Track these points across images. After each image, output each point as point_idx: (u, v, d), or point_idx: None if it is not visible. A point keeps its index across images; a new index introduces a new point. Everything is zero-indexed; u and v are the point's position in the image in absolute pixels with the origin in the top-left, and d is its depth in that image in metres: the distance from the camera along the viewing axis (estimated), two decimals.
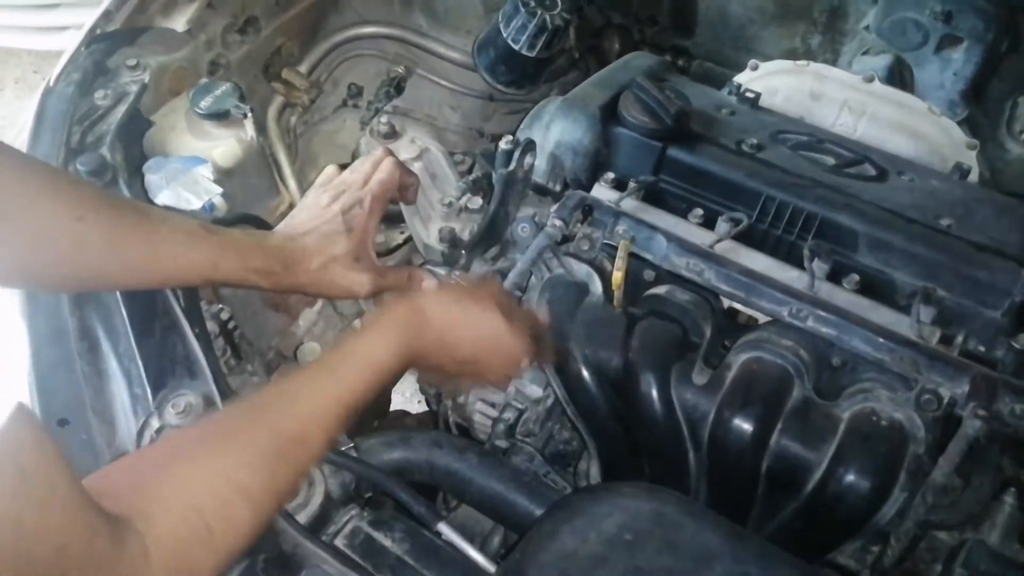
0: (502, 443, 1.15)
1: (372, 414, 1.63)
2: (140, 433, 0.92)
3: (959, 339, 1.06)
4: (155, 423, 0.92)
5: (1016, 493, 1.02)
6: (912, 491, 0.95)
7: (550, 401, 1.15)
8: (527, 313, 1.07)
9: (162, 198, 1.12)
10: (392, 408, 1.74)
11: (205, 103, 1.22)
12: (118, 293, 1.01)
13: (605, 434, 1.12)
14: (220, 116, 1.23)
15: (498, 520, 1.06)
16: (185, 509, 0.68)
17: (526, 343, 0.99)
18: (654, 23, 1.91)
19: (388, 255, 1.54)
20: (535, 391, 1.13)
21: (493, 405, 1.15)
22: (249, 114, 1.24)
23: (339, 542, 0.90)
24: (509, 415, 1.13)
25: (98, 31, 1.27)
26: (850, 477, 0.95)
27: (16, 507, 0.55)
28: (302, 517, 0.90)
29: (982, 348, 1.07)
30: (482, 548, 1.15)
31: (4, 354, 1.02)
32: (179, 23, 1.32)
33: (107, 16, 1.27)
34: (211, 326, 1.11)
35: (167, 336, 0.99)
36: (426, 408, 1.45)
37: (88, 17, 1.28)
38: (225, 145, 1.24)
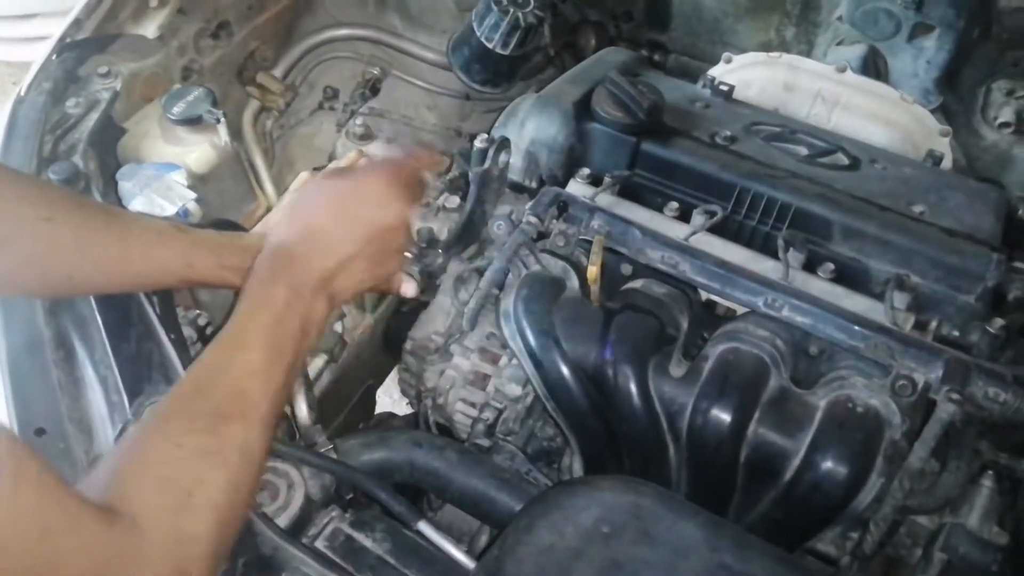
0: (483, 442, 1.16)
1: (358, 416, 1.64)
2: (117, 440, 0.92)
3: (933, 324, 1.07)
4: (131, 430, 0.92)
5: (994, 476, 1.03)
6: (889, 476, 0.95)
7: (530, 399, 1.15)
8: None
9: (135, 205, 1.12)
10: (379, 411, 1.75)
11: (177, 109, 1.22)
12: (93, 301, 1.01)
13: (586, 429, 1.12)
14: (193, 121, 1.23)
15: (480, 518, 1.06)
16: (157, 480, 0.69)
17: (403, 199, 0.96)
18: (629, 18, 1.92)
19: None
20: (514, 389, 1.13)
21: (473, 404, 1.15)
22: (222, 119, 1.24)
23: (320, 544, 0.90)
24: (488, 415, 1.13)
25: (68, 39, 1.26)
26: (827, 464, 0.95)
27: None
28: (282, 520, 0.90)
29: (956, 333, 1.07)
30: (470, 546, 1.16)
31: None
32: (150, 29, 1.32)
33: (77, 24, 1.26)
34: (188, 332, 1.10)
35: (143, 343, 0.99)
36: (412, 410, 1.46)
37: (56, 27, 1.28)
38: (199, 150, 1.24)
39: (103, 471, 0.72)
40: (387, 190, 0.95)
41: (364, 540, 0.90)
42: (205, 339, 1.13)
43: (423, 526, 0.91)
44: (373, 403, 1.72)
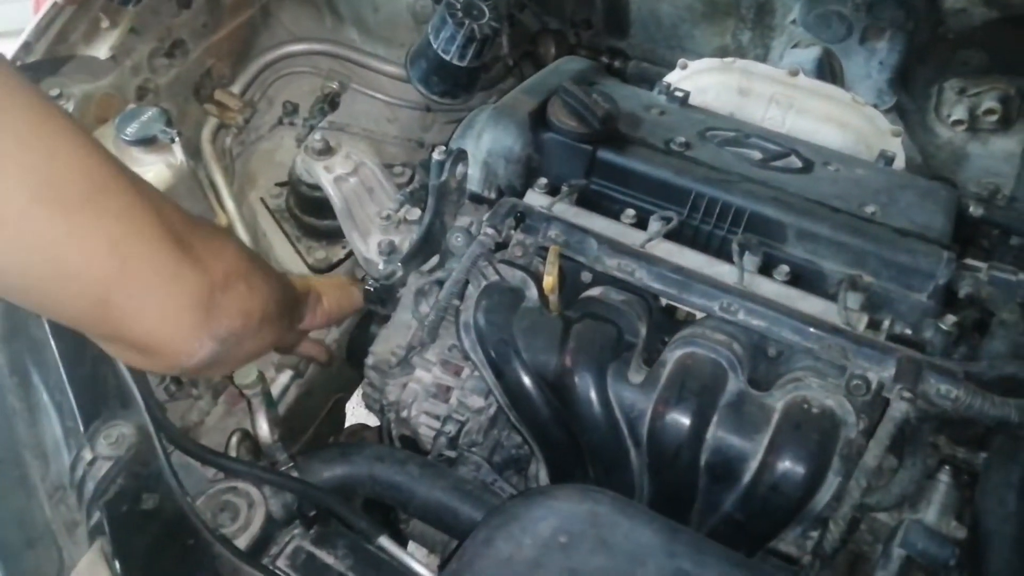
0: (449, 454, 1.16)
1: (327, 431, 1.64)
2: (73, 467, 0.92)
3: (886, 324, 1.08)
4: (87, 455, 0.91)
5: (952, 470, 1.04)
6: (846, 475, 0.97)
7: (492, 410, 1.15)
8: None
9: None
10: (351, 422, 1.75)
11: (131, 129, 1.22)
12: (47, 325, 1.00)
13: (549, 438, 1.12)
14: (147, 142, 1.23)
15: (444, 530, 1.06)
16: None
17: None
18: (589, 26, 1.93)
19: (330, 270, 1.54)
20: (476, 401, 1.14)
21: (436, 417, 1.15)
22: (177, 138, 1.24)
23: (281, 563, 0.91)
24: (451, 427, 1.13)
25: (18, 62, 1.25)
26: (784, 465, 0.96)
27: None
28: (242, 541, 0.90)
29: (909, 331, 1.09)
30: (443, 556, 1.16)
31: None
32: (102, 50, 1.32)
33: (27, 47, 1.25)
34: None
35: (98, 366, 0.98)
36: None
37: (9, 47, 1.27)
38: (154, 171, 1.23)
39: None
40: None
41: (326, 557, 0.91)
42: None
43: (384, 541, 0.91)
44: (343, 416, 1.72)
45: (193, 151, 1.44)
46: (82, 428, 0.93)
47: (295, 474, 0.99)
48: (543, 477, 1.19)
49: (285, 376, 1.42)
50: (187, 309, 0.77)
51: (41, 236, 0.68)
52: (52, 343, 0.99)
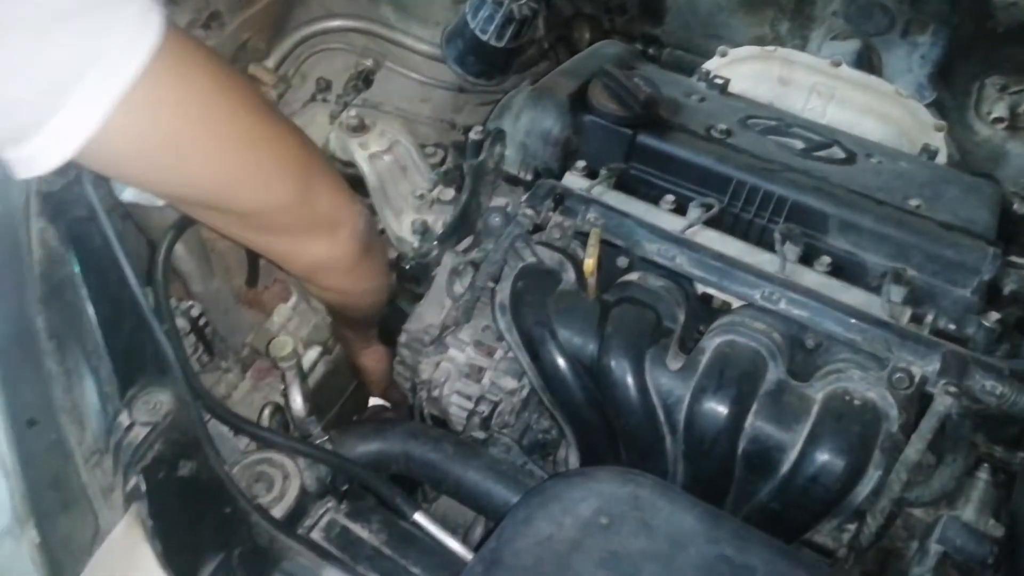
0: (479, 434, 1.15)
1: (351, 410, 1.63)
2: (109, 431, 0.91)
3: (929, 318, 1.07)
4: (125, 420, 0.91)
5: (990, 469, 1.03)
6: (886, 469, 0.95)
7: (525, 392, 1.14)
8: None
9: (128, 194, 1.11)
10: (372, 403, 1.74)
11: None
12: (85, 291, 0.99)
13: (582, 422, 1.11)
14: None
15: (476, 509, 1.06)
16: None
17: None
18: (623, 12, 1.91)
19: None
20: (509, 382, 1.13)
21: (468, 397, 1.14)
22: None
23: (315, 535, 0.90)
24: (483, 408, 1.12)
25: None
26: (824, 457, 0.95)
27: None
28: (278, 511, 0.90)
29: (952, 326, 1.07)
30: (465, 538, 1.16)
31: None
32: None
33: None
34: (182, 323, 1.10)
35: (136, 334, 0.97)
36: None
37: None
38: None
39: None
40: None
41: (360, 531, 0.90)
42: (198, 330, 1.12)
43: (419, 517, 0.91)
44: (367, 396, 1.71)
45: None
46: (119, 393, 0.93)
47: (330, 448, 0.98)
48: (573, 461, 1.18)
49: (314, 352, 1.42)
50: (344, 185, 1.03)
51: (270, 139, 0.89)
52: (90, 308, 0.98)
